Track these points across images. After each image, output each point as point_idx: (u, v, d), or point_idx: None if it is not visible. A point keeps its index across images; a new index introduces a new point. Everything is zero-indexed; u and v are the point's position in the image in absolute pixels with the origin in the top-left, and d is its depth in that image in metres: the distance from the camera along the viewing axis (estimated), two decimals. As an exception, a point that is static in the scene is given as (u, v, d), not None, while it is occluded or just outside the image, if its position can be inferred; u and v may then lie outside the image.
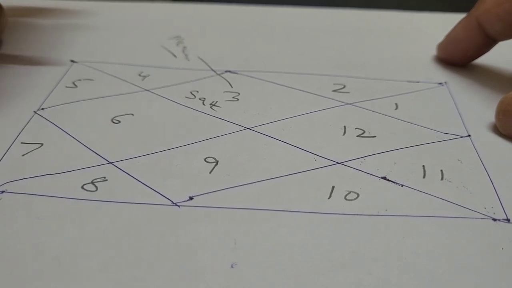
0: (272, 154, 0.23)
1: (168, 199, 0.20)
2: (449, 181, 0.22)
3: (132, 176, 0.21)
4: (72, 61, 0.31)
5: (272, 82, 0.29)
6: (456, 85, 0.29)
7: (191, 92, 0.28)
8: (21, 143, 0.23)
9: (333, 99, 0.27)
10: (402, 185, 0.21)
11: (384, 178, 0.22)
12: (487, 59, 0.31)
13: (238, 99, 0.27)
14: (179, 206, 0.20)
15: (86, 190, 0.21)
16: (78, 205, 0.20)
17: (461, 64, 0.31)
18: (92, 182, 0.21)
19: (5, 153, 0.23)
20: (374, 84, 0.29)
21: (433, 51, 0.32)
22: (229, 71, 0.30)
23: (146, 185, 0.21)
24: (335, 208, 0.20)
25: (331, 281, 0.17)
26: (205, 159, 0.23)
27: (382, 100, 0.27)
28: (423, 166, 0.22)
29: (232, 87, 0.28)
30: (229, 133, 0.24)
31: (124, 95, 0.27)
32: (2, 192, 0.20)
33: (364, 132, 0.25)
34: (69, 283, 0.17)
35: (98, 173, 0.22)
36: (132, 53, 0.32)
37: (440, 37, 0.31)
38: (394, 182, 0.21)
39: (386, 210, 0.20)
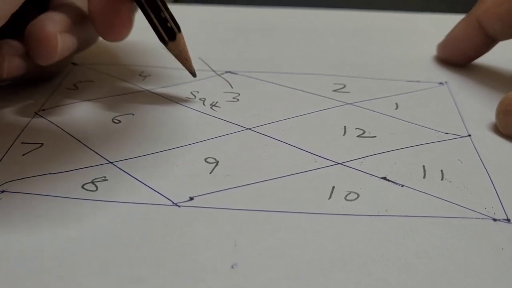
0: (272, 155, 0.23)
1: (168, 199, 0.20)
2: (449, 181, 0.22)
3: (132, 176, 0.21)
4: (73, 63, 0.31)
5: (272, 83, 0.29)
6: (456, 85, 0.29)
7: (191, 93, 0.28)
8: (22, 143, 0.23)
9: (333, 99, 0.27)
10: (402, 185, 0.21)
11: (384, 178, 0.22)
12: (487, 59, 0.31)
13: (238, 100, 0.27)
14: (179, 206, 0.20)
15: (86, 189, 0.21)
16: (78, 205, 0.20)
17: (461, 64, 0.31)
18: (92, 182, 0.21)
19: (6, 152, 0.23)
20: (374, 84, 0.29)
21: (433, 51, 0.32)
22: (229, 72, 0.30)
23: (146, 185, 0.21)
24: (335, 209, 0.20)
25: (331, 281, 0.17)
26: (205, 159, 0.23)
27: (382, 100, 0.27)
28: (423, 166, 0.22)
29: (232, 87, 0.28)
30: (229, 133, 0.24)
31: (125, 95, 0.27)
32: (3, 191, 0.20)
33: (364, 132, 0.25)
34: (69, 283, 0.17)
35: (98, 173, 0.22)
36: (133, 54, 0.32)
37: (440, 37, 0.31)
38: (394, 182, 0.21)
39: (386, 210, 0.20)
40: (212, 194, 0.21)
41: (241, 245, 0.18)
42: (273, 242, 0.19)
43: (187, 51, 0.26)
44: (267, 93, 0.28)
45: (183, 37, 0.26)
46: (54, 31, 0.23)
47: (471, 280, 0.17)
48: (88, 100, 0.27)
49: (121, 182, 0.21)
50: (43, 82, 0.29)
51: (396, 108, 0.27)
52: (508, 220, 0.20)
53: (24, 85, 0.28)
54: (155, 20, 0.25)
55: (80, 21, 0.25)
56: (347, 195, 0.21)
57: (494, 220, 0.20)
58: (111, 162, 0.22)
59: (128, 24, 0.25)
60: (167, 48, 0.26)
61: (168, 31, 0.25)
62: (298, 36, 0.35)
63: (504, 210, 0.20)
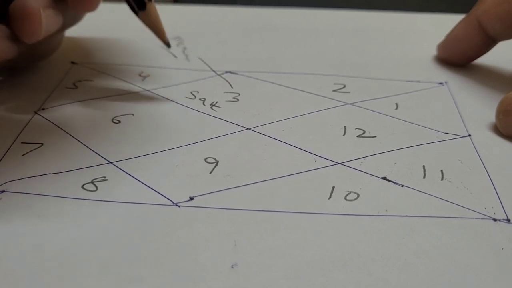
0: (272, 155, 0.23)
1: (168, 199, 0.20)
2: (449, 181, 0.22)
3: (132, 176, 0.21)
4: (72, 62, 0.31)
5: (272, 83, 0.29)
6: (456, 85, 0.29)
7: (191, 93, 0.28)
8: (22, 143, 0.23)
9: (333, 99, 0.27)
10: (402, 185, 0.21)
11: (384, 178, 0.22)
12: (487, 59, 0.31)
13: (238, 100, 0.27)
14: (179, 206, 0.20)
15: (86, 189, 0.21)
16: (78, 205, 0.20)
17: (461, 64, 0.31)
18: (92, 182, 0.21)
19: (6, 152, 0.23)
20: (374, 84, 0.29)
21: (433, 51, 0.32)
22: (229, 72, 0.30)
23: (146, 185, 0.21)
24: (335, 209, 0.20)
25: (331, 281, 0.17)
26: (205, 159, 0.23)
27: (382, 100, 0.27)
28: (423, 166, 0.22)
29: (232, 87, 0.28)
30: (229, 133, 0.24)
31: (124, 95, 0.27)
32: (2, 191, 0.20)
33: (364, 132, 0.25)
34: (69, 283, 0.17)
35: (98, 173, 0.22)
36: (133, 54, 0.32)
37: (440, 37, 0.31)
38: (394, 182, 0.21)
39: (386, 210, 0.20)
40: (212, 194, 0.21)
41: (241, 245, 0.18)
42: (273, 242, 0.19)
43: (160, 21, 0.26)
44: (267, 93, 0.28)
45: (154, 7, 0.26)
46: (37, 7, 0.23)
47: (471, 280, 0.17)
48: (88, 99, 0.27)
49: (121, 182, 0.21)
50: (37, 61, 0.29)
51: (396, 108, 0.27)
52: (508, 220, 0.20)
53: (18, 68, 0.28)
54: None
55: None
56: (347, 195, 0.21)
57: (494, 220, 0.20)
58: (111, 162, 0.22)
59: None
60: (138, 18, 0.26)
61: (138, 1, 0.25)
62: (298, 36, 0.35)
63: (504, 210, 0.20)
